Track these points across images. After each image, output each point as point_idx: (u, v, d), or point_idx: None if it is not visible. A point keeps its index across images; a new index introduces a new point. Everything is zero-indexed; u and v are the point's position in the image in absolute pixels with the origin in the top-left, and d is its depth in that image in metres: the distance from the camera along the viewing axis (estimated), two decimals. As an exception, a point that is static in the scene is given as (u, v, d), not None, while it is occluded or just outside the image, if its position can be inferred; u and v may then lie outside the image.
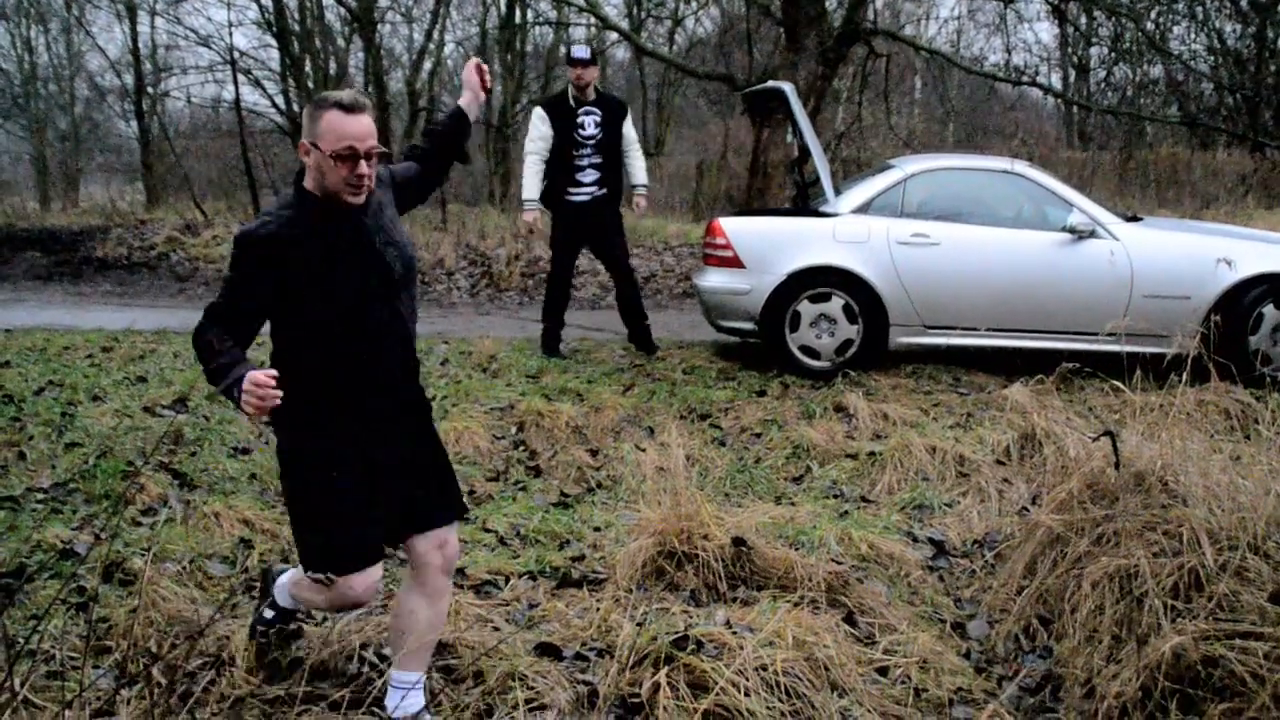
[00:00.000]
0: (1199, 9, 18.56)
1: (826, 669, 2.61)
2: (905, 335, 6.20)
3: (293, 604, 2.67)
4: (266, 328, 2.35)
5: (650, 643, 2.61)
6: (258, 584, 3.26)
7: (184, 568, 3.28)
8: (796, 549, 3.40)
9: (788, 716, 2.45)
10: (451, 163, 2.83)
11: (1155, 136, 18.48)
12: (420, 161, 2.71)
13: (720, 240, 6.33)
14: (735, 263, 6.27)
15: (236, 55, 16.24)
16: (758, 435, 5.06)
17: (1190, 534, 2.74)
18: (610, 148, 6.50)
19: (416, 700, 2.46)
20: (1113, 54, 19.06)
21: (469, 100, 2.81)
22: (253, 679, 2.62)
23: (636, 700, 2.49)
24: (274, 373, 2.10)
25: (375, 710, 2.48)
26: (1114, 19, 15.29)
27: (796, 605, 2.93)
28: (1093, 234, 6.02)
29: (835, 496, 4.25)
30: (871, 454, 4.56)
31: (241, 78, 16.56)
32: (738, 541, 3.26)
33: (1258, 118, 17.75)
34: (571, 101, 6.45)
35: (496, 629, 2.93)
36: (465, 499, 4.02)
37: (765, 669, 2.52)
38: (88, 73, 22.26)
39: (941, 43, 19.55)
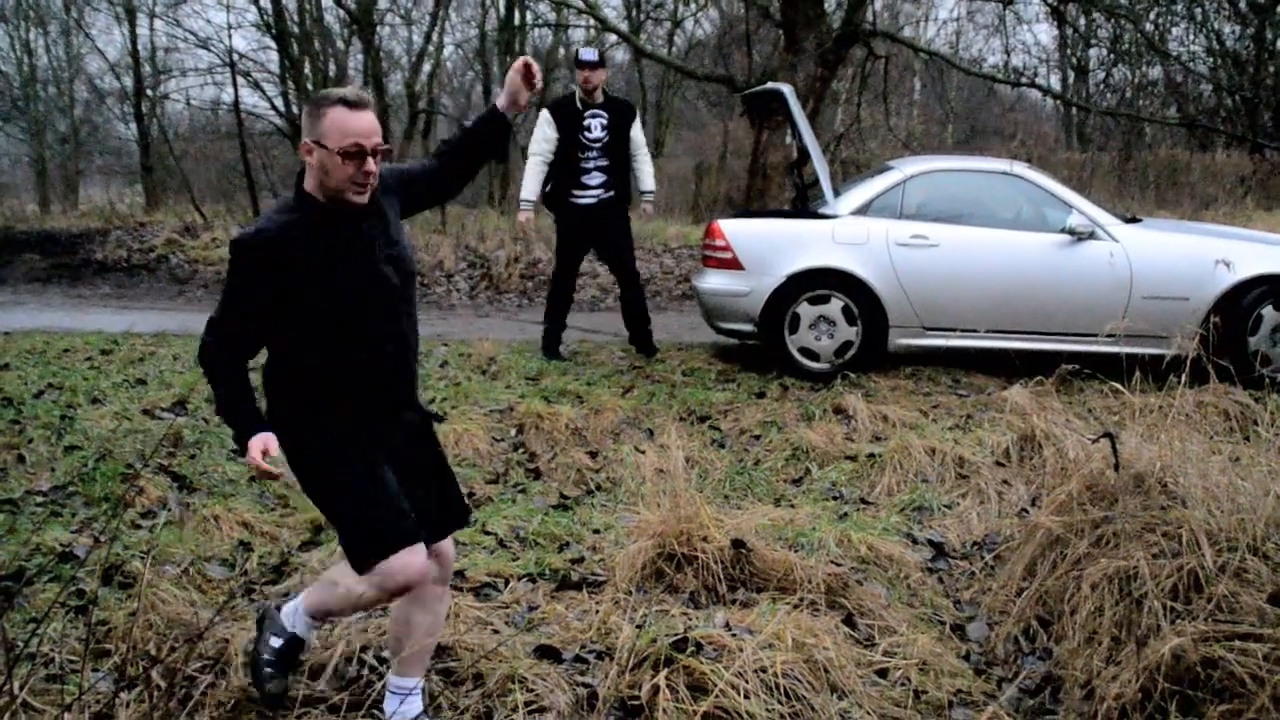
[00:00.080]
0: (1198, 10, 18.59)
1: (826, 671, 2.61)
2: (904, 337, 6.21)
3: (309, 626, 2.53)
4: None
5: (650, 645, 2.61)
6: (257, 585, 3.27)
7: (183, 571, 3.28)
8: (796, 551, 3.40)
9: (787, 718, 2.45)
10: (480, 164, 2.63)
11: (1154, 138, 18.52)
12: (443, 159, 2.55)
13: (719, 242, 6.33)
14: (734, 264, 6.27)
15: (236, 57, 16.26)
16: (757, 437, 5.06)
17: (1190, 535, 2.74)
18: (617, 151, 6.49)
19: (415, 705, 2.45)
20: (1111, 55, 19.10)
21: (507, 104, 2.57)
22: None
23: (636, 702, 2.49)
24: (276, 460, 2.21)
25: (374, 713, 2.48)
26: (1113, 20, 15.30)
27: (796, 607, 2.93)
28: (1092, 235, 6.02)
29: (834, 498, 4.25)
30: (871, 456, 4.56)
31: (241, 80, 16.58)
32: (737, 543, 3.26)
33: (1256, 119, 17.78)
34: (578, 103, 6.44)
35: (496, 631, 2.92)
36: (465, 501, 4.03)
37: (765, 671, 2.52)
38: (87, 75, 22.30)
39: (940, 44, 19.60)
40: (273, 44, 17.56)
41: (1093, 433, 3.94)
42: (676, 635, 2.66)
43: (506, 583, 3.31)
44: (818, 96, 10.82)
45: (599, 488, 4.46)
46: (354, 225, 2.29)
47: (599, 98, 6.46)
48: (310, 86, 16.68)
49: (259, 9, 17.02)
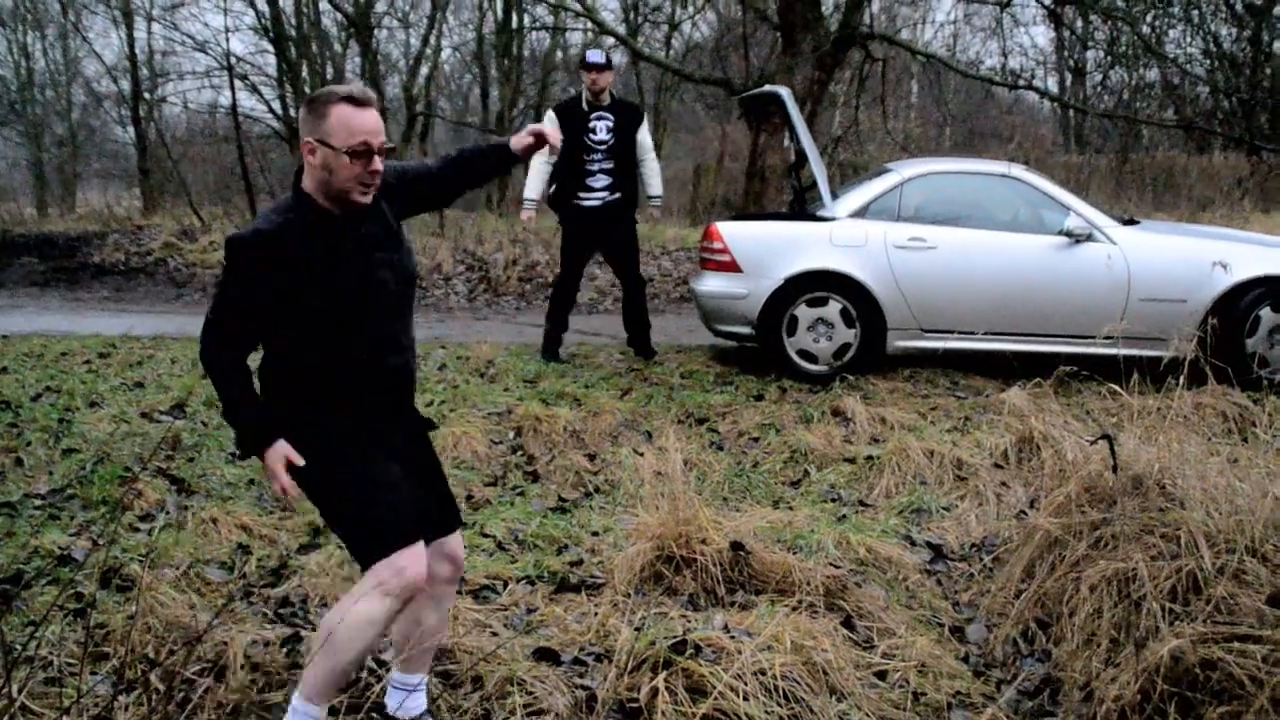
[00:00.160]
0: (1195, 13, 18.62)
1: (825, 673, 2.61)
2: (903, 339, 6.21)
3: (319, 709, 2.26)
4: None
5: (648, 647, 2.61)
6: (255, 587, 3.27)
7: (182, 573, 3.28)
8: (794, 553, 3.40)
9: (786, 721, 2.45)
10: (482, 183, 2.62)
11: (1151, 140, 18.55)
12: (447, 167, 2.51)
13: (717, 245, 6.33)
14: (732, 267, 6.28)
15: (233, 61, 16.27)
16: (755, 439, 5.06)
17: (1188, 537, 2.75)
18: (623, 153, 6.47)
19: (418, 702, 2.46)
20: (1109, 58, 19.13)
21: (519, 147, 2.53)
22: (250, 686, 2.61)
23: (635, 705, 2.49)
24: (291, 484, 2.23)
25: (374, 715, 2.48)
26: (1110, 23, 15.34)
27: (794, 609, 2.93)
28: (1089, 237, 6.03)
29: (833, 500, 4.25)
30: (869, 458, 4.57)
31: (238, 83, 16.58)
32: (736, 546, 3.26)
33: (1253, 121, 17.80)
34: (585, 105, 6.44)
35: (495, 634, 2.92)
36: (462, 504, 4.03)
37: (763, 673, 2.52)
38: (84, 78, 22.31)
39: (938, 47, 19.61)
40: (270, 47, 17.60)
41: (1091, 434, 3.95)
42: (675, 637, 2.66)
43: (505, 585, 3.31)
44: (815, 99, 10.84)
45: (597, 490, 4.45)
46: (354, 225, 2.25)
47: (605, 100, 6.45)
48: (308, 90, 16.68)
49: (256, 12, 17.06)
